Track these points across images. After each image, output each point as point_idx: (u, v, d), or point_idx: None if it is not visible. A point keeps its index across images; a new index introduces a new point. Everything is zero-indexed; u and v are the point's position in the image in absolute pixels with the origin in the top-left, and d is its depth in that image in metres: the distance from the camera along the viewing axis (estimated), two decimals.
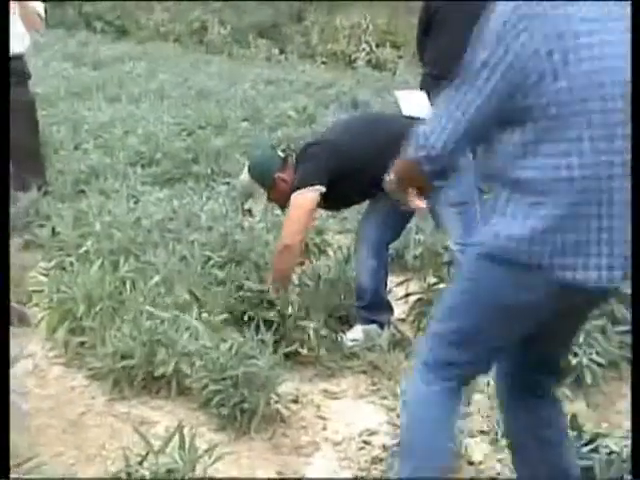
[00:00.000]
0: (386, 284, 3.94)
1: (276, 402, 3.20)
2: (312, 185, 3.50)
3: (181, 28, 15.04)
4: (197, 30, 15.38)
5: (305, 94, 9.23)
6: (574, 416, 2.88)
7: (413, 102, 4.60)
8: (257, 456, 3.01)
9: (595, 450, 2.75)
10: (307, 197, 3.51)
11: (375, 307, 3.88)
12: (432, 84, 5.40)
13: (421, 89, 5.63)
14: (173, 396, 3.31)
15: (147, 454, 2.47)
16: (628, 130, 1.97)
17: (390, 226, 3.81)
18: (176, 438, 2.63)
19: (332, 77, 10.92)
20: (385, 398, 3.42)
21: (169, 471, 2.40)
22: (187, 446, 2.53)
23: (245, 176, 3.77)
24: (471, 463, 3.01)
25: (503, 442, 3.12)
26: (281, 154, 3.84)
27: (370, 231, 3.79)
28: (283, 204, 3.71)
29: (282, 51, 15.35)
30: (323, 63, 13.65)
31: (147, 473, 2.43)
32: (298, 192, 3.51)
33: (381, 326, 3.87)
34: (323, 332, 3.86)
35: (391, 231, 3.85)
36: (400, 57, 12.95)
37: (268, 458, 3.01)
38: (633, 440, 1.98)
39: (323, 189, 3.52)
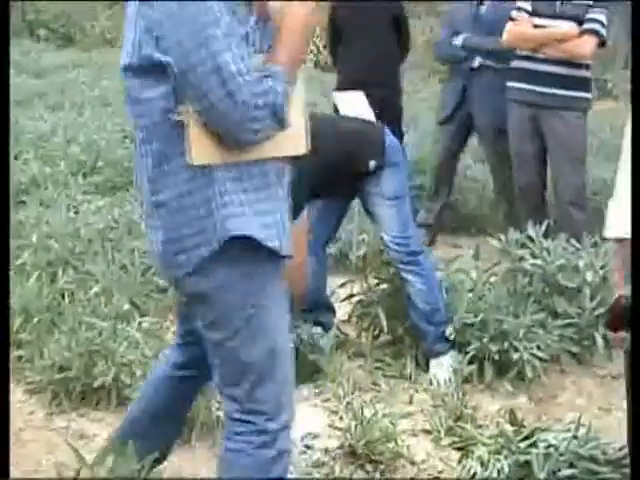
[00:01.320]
0: (326, 285, 3.94)
1: (217, 409, 3.17)
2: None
3: None
4: None
5: None
6: (512, 411, 2.90)
7: (351, 103, 4.61)
8: (200, 465, 2.98)
9: (534, 445, 2.77)
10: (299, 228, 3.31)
11: (317, 308, 3.87)
12: (346, 90, 5.44)
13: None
14: (113, 407, 3.27)
15: (80, 469, 2.43)
16: None
17: (325, 225, 3.82)
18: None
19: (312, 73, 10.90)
20: (328, 400, 3.41)
21: None
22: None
23: None
24: (413, 463, 3.02)
25: (446, 441, 3.15)
26: None
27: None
28: None
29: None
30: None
31: None
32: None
33: (324, 328, 3.86)
34: None
35: (326, 230, 3.85)
36: None
37: (209, 466, 2.97)
38: (633, 440, 1.99)
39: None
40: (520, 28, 4.64)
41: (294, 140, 2.10)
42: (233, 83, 1.90)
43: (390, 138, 3.65)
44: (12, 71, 10.04)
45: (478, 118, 5.12)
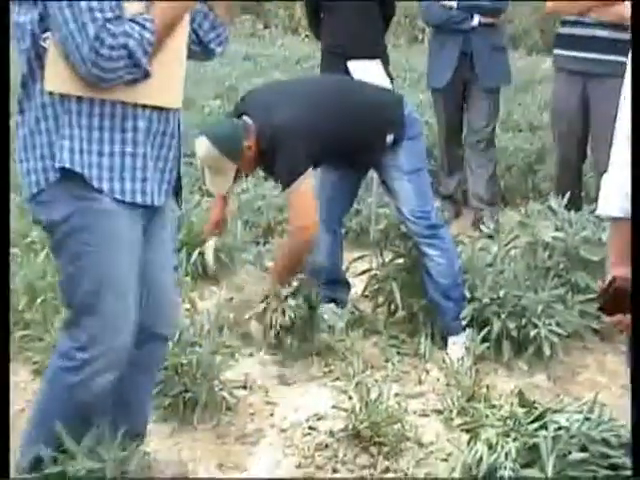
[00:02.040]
0: (342, 260, 3.84)
1: (220, 389, 3.09)
2: (301, 174, 3.25)
3: None
4: None
5: (281, 69, 9.08)
6: (521, 391, 2.76)
7: (367, 72, 4.48)
8: (200, 447, 2.91)
9: (544, 427, 2.64)
10: (305, 189, 3.27)
11: (332, 285, 3.77)
12: (332, 61, 5.28)
13: (322, 65, 5.51)
14: None
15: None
16: None
17: (338, 200, 3.71)
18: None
19: (311, 50, 10.74)
20: (337, 379, 3.32)
21: (90, 471, 2.30)
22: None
23: (209, 151, 3.24)
24: (420, 444, 2.91)
25: (457, 421, 3.04)
26: (238, 121, 3.37)
27: (319, 208, 3.68)
28: (252, 171, 3.57)
29: (266, 26, 15.18)
30: (307, 36, 13.46)
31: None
32: (292, 189, 3.25)
33: (339, 304, 3.76)
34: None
35: (340, 205, 3.74)
36: None
37: (211, 448, 2.91)
38: (634, 438, 1.88)
39: (311, 169, 3.34)
40: None
41: (163, 92, 2.18)
42: (86, 17, 1.99)
43: (409, 109, 3.53)
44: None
45: (481, 78, 4.89)
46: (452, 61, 4.89)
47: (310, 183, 3.31)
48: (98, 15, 2.01)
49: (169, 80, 2.19)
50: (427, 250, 3.47)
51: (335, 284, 3.79)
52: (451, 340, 3.51)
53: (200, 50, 2.39)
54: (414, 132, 3.50)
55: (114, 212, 2.19)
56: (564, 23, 4.47)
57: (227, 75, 8.38)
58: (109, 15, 2.02)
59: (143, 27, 2.07)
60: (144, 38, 2.06)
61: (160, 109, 2.21)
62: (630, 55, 1.90)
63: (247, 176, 3.69)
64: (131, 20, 2.06)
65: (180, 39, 2.21)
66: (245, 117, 3.32)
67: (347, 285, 3.86)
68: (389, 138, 3.40)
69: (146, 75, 2.10)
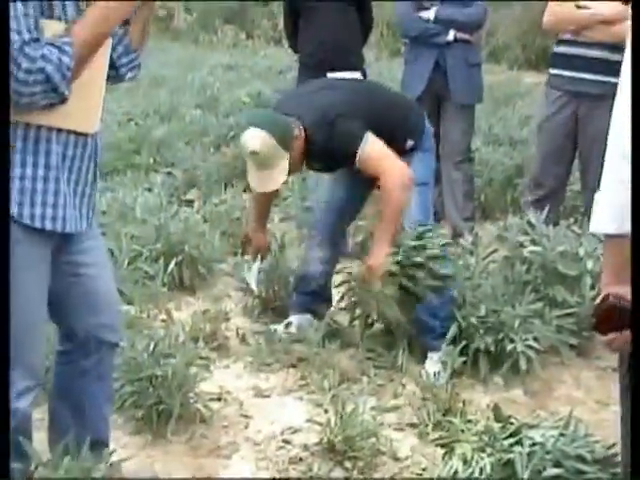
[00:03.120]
0: (332, 275, 3.80)
1: (195, 402, 3.06)
2: (364, 135, 3.23)
3: None
4: (163, 17, 15.20)
5: (264, 79, 9.07)
6: (497, 406, 2.76)
7: None
8: (173, 460, 2.88)
9: (519, 442, 2.63)
10: (377, 144, 3.24)
11: (317, 297, 3.74)
12: (310, 73, 5.26)
13: (299, 78, 5.50)
14: None
15: (36, 467, 2.33)
16: None
17: (345, 213, 3.72)
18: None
19: (294, 61, 10.73)
20: (313, 393, 3.29)
21: None
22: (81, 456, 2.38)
23: (264, 142, 3.18)
24: (396, 459, 2.89)
25: (433, 436, 3.02)
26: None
27: (328, 218, 3.68)
28: (299, 168, 3.47)
29: (249, 36, 15.18)
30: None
31: None
32: (361, 155, 3.21)
33: (316, 317, 3.74)
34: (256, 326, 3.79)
35: (346, 218, 3.78)
36: None
37: (184, 461, 2.88)
38: (633, 439, 1.87)
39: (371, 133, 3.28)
40: (562, 9, 4.30)
41: (80, 116, 2.14)
42: (15, 43, 1.94)
43: (426, 122, 3.58)
44: None
45: (454, 94, 4.88)
46: (426, 73, 4.86)
47: (374, 139, 3.24)
48: (16, 37, 1.95)
49: (86, 104, 2.15)
50: None
51: (317, 297, 3.75)
52: (429, 355, 3.49)
53: (110, 74, 2.29)
54: (428, 145, 3.54)
55: (21, 239, 2.12)
56: (560, 42, 4.43)
57: (209, 85, 8.36)
58: (27, 37, 1.97)
59: (62, 51, 2.00)
60: (63, 62, 2.00)
61: (77, 133, 2.17)
62: (630, 55, 1.87)
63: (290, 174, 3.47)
64: (50, 43, 2.00)
65: (100, 62, 2.16)
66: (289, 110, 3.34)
67: (329, 301, 3.82)
68: (409, 143, 3.43)
69: (63, 100, 2.04)
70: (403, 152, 3.37)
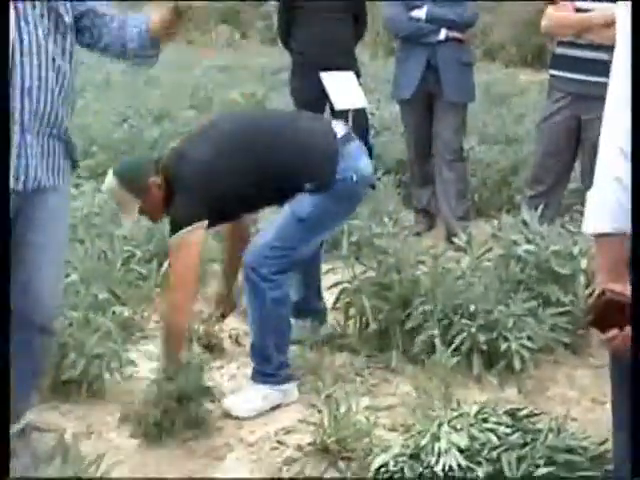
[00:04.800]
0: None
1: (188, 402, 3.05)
2: (193, 223, 3.06)
3: None
4: None
5: (257, 80, 9.06)
6: (483, 408, 2.72)
7: (340, 84, 4.49)
8: (167, 462, 2.87)
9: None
10: (188, 242, 3.07)
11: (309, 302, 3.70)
12: (303, 72, 5.27)
13: (292, 76, 5.51)
14: (82, 400, 3.16)
15: (27, 469, 2.32)
16: None
17: None
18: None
19: (289, 61, 10.73)
20: (306, 393, 3.28)
21: None
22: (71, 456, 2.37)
23: (112, 183, 3.19)
24: None
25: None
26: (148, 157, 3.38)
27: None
28: (156, 216, 3.28)
29: (244, 36, 15.19)
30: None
31: None
32: (180, 234, 3.06)
33: (314, 320, 3.71)
34: None
35: None
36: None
37: (178, 463, 2.87)
38: (633, 439, 1.87)
39: (205, 222, 3.10)
40: (561, 13, 4.27)
41: None
42: None
43: (346, 165, 3.16)
44: None
45: (446, 92, 4.87)
46: (417, 72, 4.87)
47: (199, 240, 3.10)
48: None
49: None
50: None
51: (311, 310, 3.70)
52: None
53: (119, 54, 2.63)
54: (337, 188, 3.14)
55: None
56: (560, 44, 4.40)
57: (203, 85, 8.36)
58: None
59: None
60: None
61: None
62: (631, 55, 1.86)
63: (153, 221, 3.41)
64: None
65: None
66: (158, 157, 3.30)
67: (323, 313, 3.78)
68: (307, 187, 3.14)
69: None
70: (294, 195, 3.16)
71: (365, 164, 3.26)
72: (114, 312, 3.55)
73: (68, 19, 2.52)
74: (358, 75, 5.02)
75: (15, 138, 2.45)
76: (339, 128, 3.28)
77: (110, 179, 3.19)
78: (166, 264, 4.06)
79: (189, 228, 3.06)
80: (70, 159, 2.69)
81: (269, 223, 3.31)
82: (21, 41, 2.42)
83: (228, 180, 3.11)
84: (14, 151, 2.45)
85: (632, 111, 1.86)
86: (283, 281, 3.15)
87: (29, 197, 2.53)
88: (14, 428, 2.63)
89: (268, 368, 3.21)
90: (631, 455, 1.85)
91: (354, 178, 3.17)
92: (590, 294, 3.60)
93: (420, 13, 4.79)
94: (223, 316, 3.71)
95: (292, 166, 3.15)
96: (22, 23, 2.42)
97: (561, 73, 4.38)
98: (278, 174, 3.15)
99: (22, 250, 2.53)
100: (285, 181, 3.16)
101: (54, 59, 2.50)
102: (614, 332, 1.92)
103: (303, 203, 3.14)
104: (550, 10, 4.34)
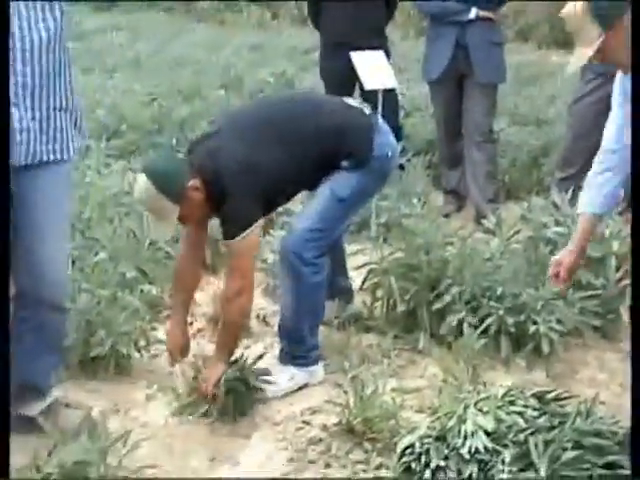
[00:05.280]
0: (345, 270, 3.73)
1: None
2: (253, 224, 2.94)
3: None
4: None
5: (288, 59, 9.03)
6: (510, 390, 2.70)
7: (370, 64, 4.45)
8: (193, 440, 2.88)
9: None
10: (251, 242, 2.96)
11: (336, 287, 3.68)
12: (333, 52, 5.23)
13: (321, 57, 5.47)
14: (110, 378, 3.19)
15: (55, 446, 2.34)
16: None
17: None
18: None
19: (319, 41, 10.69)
20: (333, 373, 3.28)
21: (76, 463, 2.27)
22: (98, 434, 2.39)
23: (147, 191, 2.91)
24: None
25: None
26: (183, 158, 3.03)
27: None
28: (195, 221, 3.08)
29: (275, 16, 15.11)
30: None
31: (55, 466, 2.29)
32: (243, 235, 2.91)
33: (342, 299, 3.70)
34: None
35: None
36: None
37: (204, 441, 2.88)
38: (632, 438, 1.85)
39: (261, 221, 3.02)
40: None
41: None
42: None
43: (383, 138, 3.19)
44: None
45: (476, 73, 4.80)
46: (447, 52, 4.81)
47: (257, 242, 3.03)
48: None
49: None
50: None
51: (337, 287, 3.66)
52: None
53: None
54: (373, 166, 3.13)
55: None
56: None
57: (233, 65, 8.34)
58: None
59: None
60: None
61: None
62: (631, 55, 1.85)
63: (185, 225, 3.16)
64: None
65: None
66: (191, 156, 3.01)
67: (349, 291, 3.77)
68: (343, 164, 3.11)
69: None
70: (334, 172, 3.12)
71: (394, 141, 3.26)
72: (142, 290, 3.57)
73: None
74: (388, 55, 4.97)
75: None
76: (364, 106, 3.27)
77: (144, 183, 2.90)
78: None
79: (251, 229, 2.94)
80: (77, 128, 2.69)
81: (305, 207, 3.29)
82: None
83: (270, 171, 2.98)
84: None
85: (632, 111, 1.86)
86: (323, 264, 3.14)
87: (28, 172, 2.53)
88: (41, 405, 2.67)
89: (299, 351, 3.21)
90: (631, 455, 1.85)
91: (389, 154, 3.18)
92: (621, 278, 3.57)
93: None
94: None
95: (331, 144, 3.09)
96: None
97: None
98: (318, 154, 3.08)
99: (24, 226, 2.56)
100: (324, 160, 3.10)
101: (40, 28, 2.45)
102: None
103: (342, 183, 3.11)
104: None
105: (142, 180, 2.92)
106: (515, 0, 5.31)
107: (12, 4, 2.36)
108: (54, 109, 2.56)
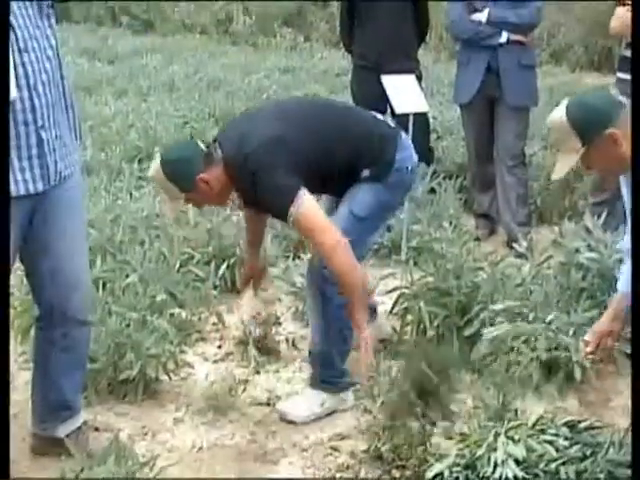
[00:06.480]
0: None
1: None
2: (294, 192, 2.85)
3: (206, 19, 14.95)
4: (222, 21, 15.28)
5: (320, 82, 9.05)
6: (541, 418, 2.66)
7: (401, 88, 4.44)
8: (220, 464, 2.87)
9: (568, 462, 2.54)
10: (308, 205, 2.85)
11: None
12: (364, 75, 5.23)
13: (353, 80, 5.48)
14: (139, 401, 3.19)
15: (82, 469, 2.34)
16: None
17: None
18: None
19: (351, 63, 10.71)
20: (362, 399, 3.25)
21: None
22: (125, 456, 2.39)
23: (158, 173, 2.96)
24: None
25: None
26: (204, 148, 2.99)
27: None
28: (201, 205, 3.21)
29: (307, 39, 15.19)
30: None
31: None
32: (294, 211, 2.83)
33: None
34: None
35: None
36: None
37: (231, 467, 2.87)
38: (633, 440, 1.82)
39: (306, 190, 2.88)
40: (630, 14, 3.97)
41: None
42: None
43: (403, 155, 3.14)
44: (84, 57, 10.17)
45: (507, 96, 4.78)
46: (478, 76, 4.78)
47: (309, 199, 2.87)
48: None
49: None
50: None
51: None
52: None
53: None
54: (392, 180, 3.09)
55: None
56: (628, 45, 4.27)
57: (266, 87, 8.37)
58: None
59: None
60: None
61: None
62: (631, 54, 1.84)
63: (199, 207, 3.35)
64: None
65: None
66: (216, 144, 3.00)
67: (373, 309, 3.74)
68: (364, 173, 3.07)
69: None
70: (355, 182, 3.10)
71: (415, 156, 3.24)
72: (172, 314, 3.58)
73: None
74: (419, 79, 4.97)
75: (31, 139, 2.44)
76: (390, 120, 3.33)
77: (157, 167, 2.95)
78: (224, 267, 4.09)
79: (298, 201, 2.83)
80: (76, 136, 2.71)
81: None
82: (16, 39, 2.37)
83: (297, 150, 2.93)
84: (32, 152, 2.45)
85: (632, 111, 1.84)
86: None
87: (52, 192, 2.55)
88: (69, 427, 2.68)
89: (329, 375, 3.19)
90: (631, 455, 1.81)
91: (409, 167, 3.16)
92: None
93: (481, 16, 4.70)
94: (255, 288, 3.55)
95: (356, 147, 3.06)
96: (12, 19, 2.35)
97: (629, 76, 4.26)
98: (342, 154, 3.04)
99: (46, 246, 2.59)
100: (347, 163, 3.06)
101: (46, 46, 2.47)
102: None
103: (360, 201, 3.08)
104: (620, 10, 4.24)
105: (157, 162, 2.97)
106: (547, 22, 5.26)
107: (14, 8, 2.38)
108: (60, 122, 2.58)
